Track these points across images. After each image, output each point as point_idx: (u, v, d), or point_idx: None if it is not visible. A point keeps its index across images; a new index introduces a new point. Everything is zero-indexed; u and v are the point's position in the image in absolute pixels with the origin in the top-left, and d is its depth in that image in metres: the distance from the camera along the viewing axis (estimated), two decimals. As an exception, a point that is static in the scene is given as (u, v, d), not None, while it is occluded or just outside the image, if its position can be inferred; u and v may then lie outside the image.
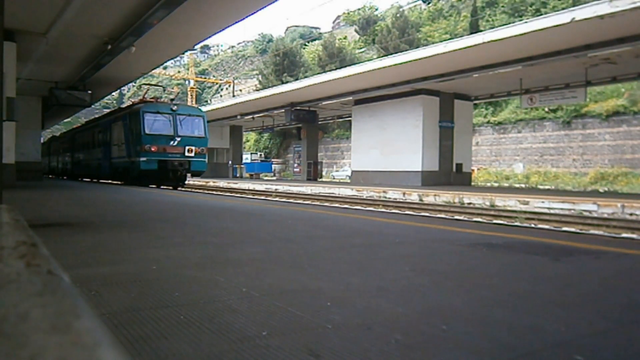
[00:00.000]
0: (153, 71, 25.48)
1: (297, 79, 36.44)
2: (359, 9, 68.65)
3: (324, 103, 23.71)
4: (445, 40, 24.35)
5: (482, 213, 11.14)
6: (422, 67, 16.57)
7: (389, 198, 15.41)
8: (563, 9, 18.52)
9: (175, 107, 16.85)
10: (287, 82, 34.45)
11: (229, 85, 58.41)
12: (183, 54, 43.55)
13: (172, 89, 44.59)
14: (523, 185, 25.26)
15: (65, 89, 18.61)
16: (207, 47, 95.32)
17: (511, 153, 30.23)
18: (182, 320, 1.71)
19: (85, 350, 0.42)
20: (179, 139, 16.35)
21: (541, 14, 25.26)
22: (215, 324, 1.68)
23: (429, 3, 54.64)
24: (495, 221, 9.33)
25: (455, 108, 20.82)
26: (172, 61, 54.51)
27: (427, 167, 19.85)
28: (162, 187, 16.49)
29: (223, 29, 13.52)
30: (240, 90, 57.57)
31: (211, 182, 25.65)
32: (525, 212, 10.76)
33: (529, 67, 14.96)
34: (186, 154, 16.38)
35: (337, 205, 13.13)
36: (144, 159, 15.73)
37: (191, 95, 62.54)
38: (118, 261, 2.86)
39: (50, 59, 15.83)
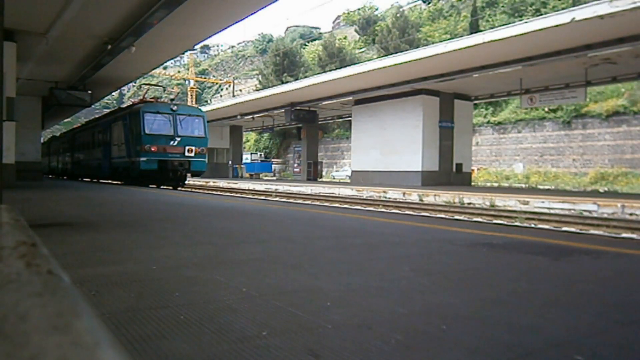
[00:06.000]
0: (153, 71, 25.49)
1: (297, 79, 36.43)
2: (359, 9, 68.67)
3: (324, 103, 23.71)
4: (445, 40, 24.35)
5: (482, 213, 11.14)
6: (422, 67, 16.57)
7: (389, 198, 15.40)
8: (563, 9, 18.53)
9: (175, 107, 16.85)
10: (287, 82, 34.45)
11: (229, 85, 58.45)
12: (183, 54, 43.54)
13: (172, 89, 44.57)
14: (523, 185, 25.25)
15: (65, 89, 18.61)
16: (207, 47, 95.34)
17: (511, 153, 30.23)
18: (182, 320, 1.71)
19: (85, 350, 0.42)
20: (179, 139, 16.35)
21: (541, 14, 25.28)
22: (215, 324, 1.68)
23: (429, 3, 54.64)
24: (495, 221, 9.33)
25: (455, 108, 20.82)
26: (172, 61, 54.52)
27: (427, 167, 19.85)
28: (162, 187, 16.49)
29: (223, 29, 13.53)
30: (240, 90, 57.59)
31: (211, 182, 25.65)
32: (525, 212, 10.76)
33: (529, 67, 14.96)
34: (186, 154, 16.38)
35: (337, 205, 13.13)
36: (144, 159, 15.73)
37: (191, 95, 62.55)
38: (118, 261, 2.86)
39: (50, 59, 15.83)
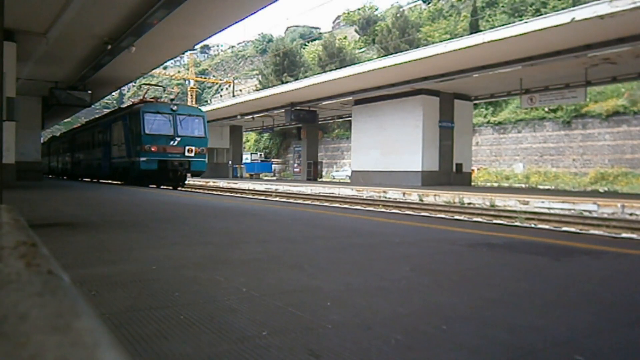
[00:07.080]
0: (153, 71, 25.47)
1: (297, 79, 36.42)
2: (359, 9, 68.70)
3: (324, 103, 23.71)
4: (445, 40, 24.34)
5: (482, 213, 11.13)
6: (422, 67, 16.57)
7: (389, 198, 15.40)
8: (563, 9, 18.52)
9: (175, 107, 16.86)
10: (287, 82, 34.44)
11: (229, 85, 58.43)
12: (183, 54, 43.54)
13: (172, 89, 44.59)
14: (523, 185, 25.26)
15: (65, 89, 18.60)
16: (207, 47, 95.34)
17: (511, 153, 30.23)
18: (182, 320, 1.71)
19: (85, 350, 0.42)
20: (179, 139, 16.36)
21: (541, 14, 25.27)
22: (215, 324, 1.68)
23: (429, 3, 54.66)
24: (495, 221, 9.33)
25: (455, 108, 20.83)
26: (172, 61, 54.54)
27: (427, 167, 19.85)
28: (162, 187, 16.50)
29: (223, 29, 13.52)
30: (240, 90, 57.56)
31: (211, 182, 25.64)
32: (525, 212, 10.76)
33: (529, 67, 14.95)
34: (186, 154, 16.38)
35: (337, 205, 13.13)
36: (144, 159, 15.74)
37: (191, 95, 62.55)
38: (118, 261, 2.86)
39: (50, 59, 15.83)
